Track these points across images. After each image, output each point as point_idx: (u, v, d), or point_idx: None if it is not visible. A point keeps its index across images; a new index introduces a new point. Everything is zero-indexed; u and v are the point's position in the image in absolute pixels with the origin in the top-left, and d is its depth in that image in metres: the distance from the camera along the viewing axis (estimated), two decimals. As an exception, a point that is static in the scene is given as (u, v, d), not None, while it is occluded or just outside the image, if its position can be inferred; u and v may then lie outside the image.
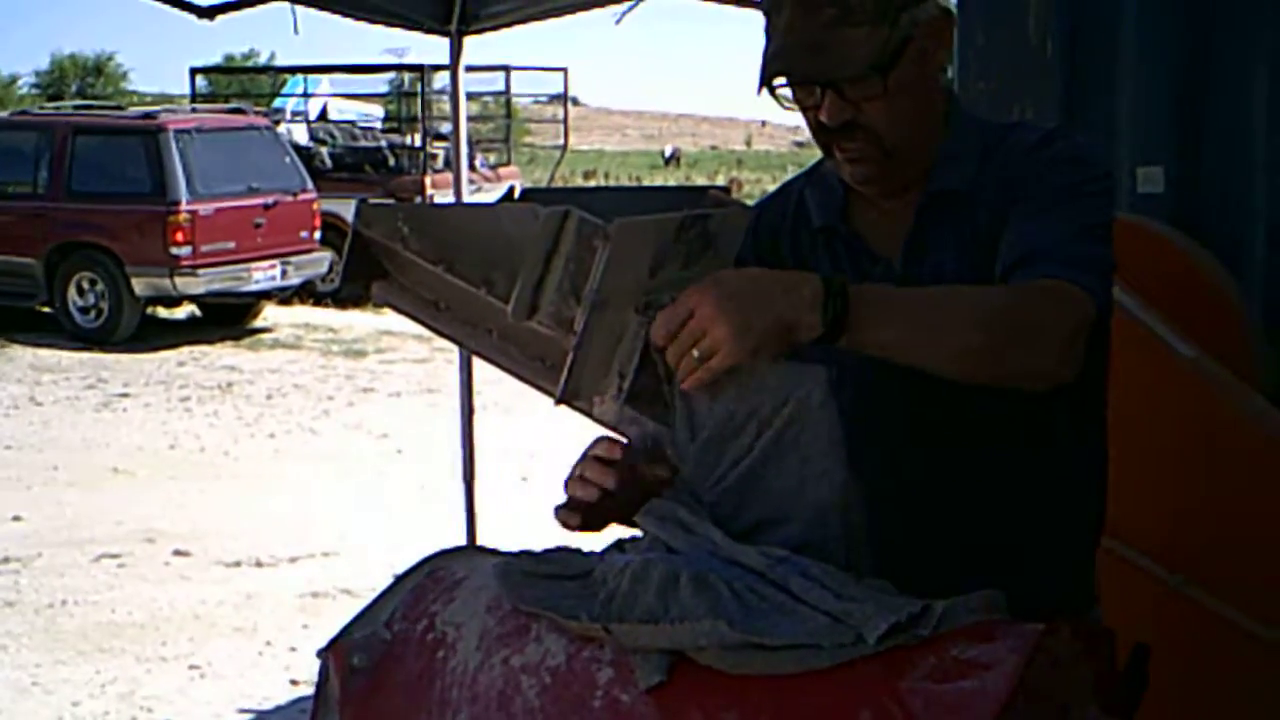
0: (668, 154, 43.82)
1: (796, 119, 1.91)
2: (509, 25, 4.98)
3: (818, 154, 1.95)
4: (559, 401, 1.68)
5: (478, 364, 4.29)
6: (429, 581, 1.70)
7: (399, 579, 1.72)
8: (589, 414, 1.74)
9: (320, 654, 1.62)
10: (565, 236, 1.64)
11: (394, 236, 1.76)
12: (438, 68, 14.19)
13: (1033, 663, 1.40)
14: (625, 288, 1.67)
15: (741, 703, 1.45)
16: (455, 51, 4.89)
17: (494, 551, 1.77)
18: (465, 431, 4.68)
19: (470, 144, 13.93)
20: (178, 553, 6.44)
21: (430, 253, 1.74)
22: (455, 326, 1.83)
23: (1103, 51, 3.51)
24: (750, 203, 2.04)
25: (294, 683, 4.92)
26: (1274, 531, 2.63)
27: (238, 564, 6.31)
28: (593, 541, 1.75)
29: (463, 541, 4.11)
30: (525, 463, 7.47)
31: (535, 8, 4.85)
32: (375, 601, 1.70)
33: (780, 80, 1.83)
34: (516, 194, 1.93)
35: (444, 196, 12.07)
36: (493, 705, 1.54)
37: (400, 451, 8.45)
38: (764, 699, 1.44)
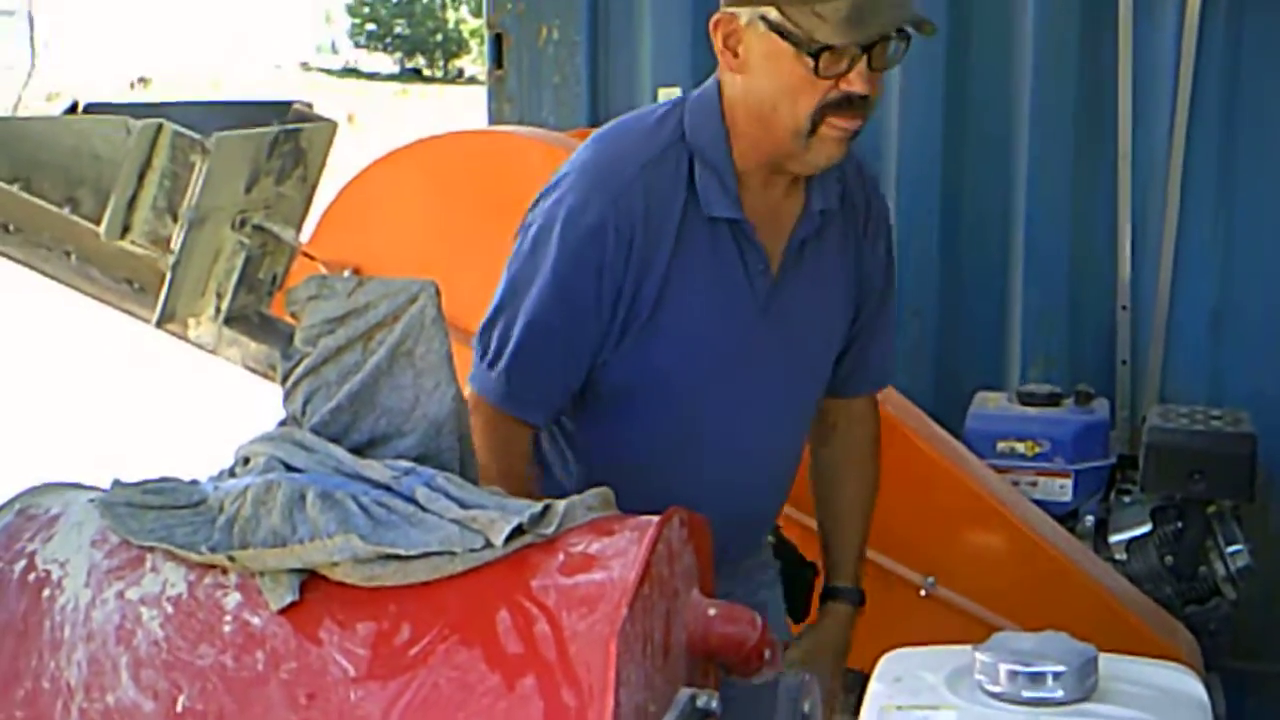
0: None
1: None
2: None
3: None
4: (158, 324, 1.62)
5: None
6: (20, 520, 1.60)
7: (-16, 520, 1.61)
8: (185, 338, 1.70)
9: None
10: (159, 151, 1.58)
11: None
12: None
13: (654, 551, 1.48)
14: (222, 203, 1.63)
15: (378, 615, 1.46)
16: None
17: (88, 486, 1.69)
18: None
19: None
20: None
21: (4, 170, 1.63)
22: (27, 250, 1.72)
23: None
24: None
25: None
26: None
27: None
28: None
29: None
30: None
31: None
32: (-40, 547, 1.58)
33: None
34: (80, 109, 1.83)
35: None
36: (110, 640, 1.48)
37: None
38: (400, 608, 1.46)
